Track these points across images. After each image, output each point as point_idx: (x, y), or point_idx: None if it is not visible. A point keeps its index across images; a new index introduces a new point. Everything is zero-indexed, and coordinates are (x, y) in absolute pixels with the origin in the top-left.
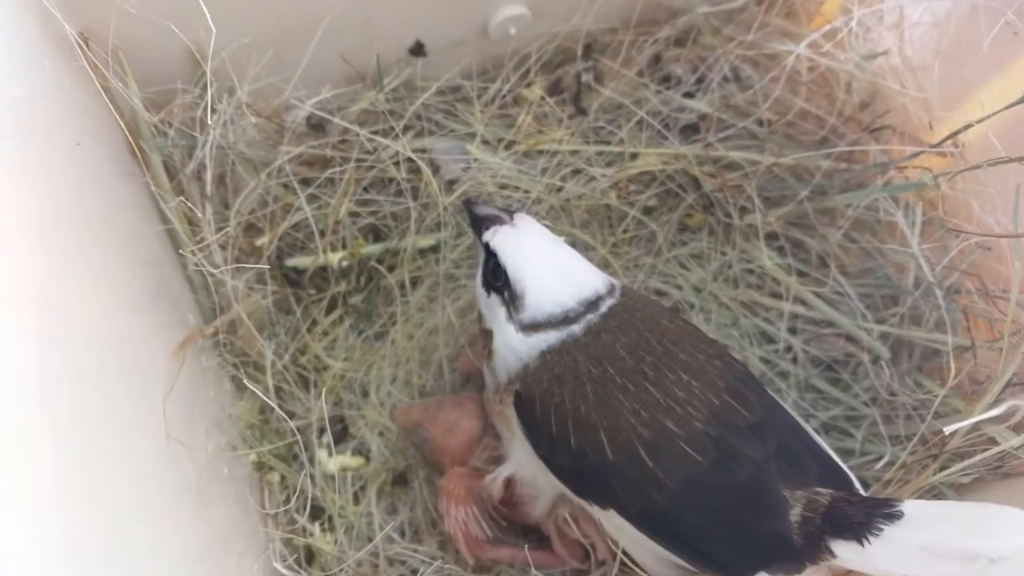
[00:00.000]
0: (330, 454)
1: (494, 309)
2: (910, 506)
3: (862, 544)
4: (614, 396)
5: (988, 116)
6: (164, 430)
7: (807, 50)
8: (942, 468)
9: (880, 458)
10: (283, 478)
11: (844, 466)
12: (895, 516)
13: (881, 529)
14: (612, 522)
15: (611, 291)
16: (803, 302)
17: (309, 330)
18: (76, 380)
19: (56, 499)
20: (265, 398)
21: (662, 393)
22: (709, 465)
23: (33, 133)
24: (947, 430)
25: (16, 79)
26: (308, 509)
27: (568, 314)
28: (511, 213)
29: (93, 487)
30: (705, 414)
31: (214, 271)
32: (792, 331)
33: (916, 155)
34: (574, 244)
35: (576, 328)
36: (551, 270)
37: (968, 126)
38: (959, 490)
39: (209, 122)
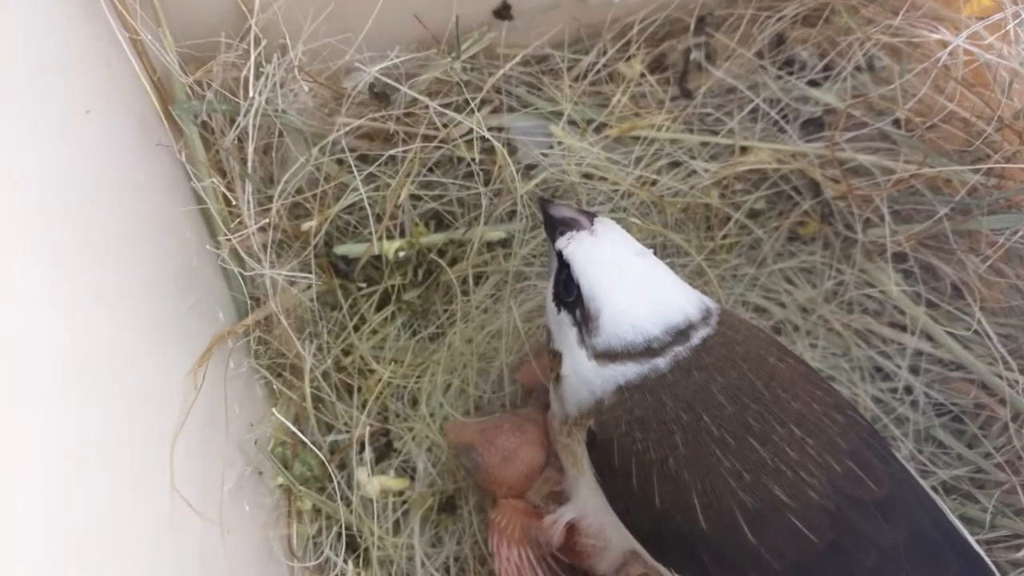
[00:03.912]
0: (370, 474)
1: (564, 328)
2: None
3: None
4: (710, 451)
5: None
6: (170, 482)
7: (966, 41)
8: None
9: (1016, 537)
10: (314, 506)
11: (989, 560)
12: None
13: None
14: None
15: (706, 318)
16: (930, 338)
17: (356, 328)
18: (84, 393)
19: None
20: (295, 429)
21: (770, 452)
22: (825, 548)
23: (42, 92)
24: None
25: (27, 27)
26: (343, 542)
27: (651, 344)
28: (592, 216)
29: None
30: (823, 482)
31: (254, 264)
32: (914, 370)
33: None
34: (665, 247)
35: (660, 362)
36: (632, 288)
37: None
38: None
39: (253, 86)
